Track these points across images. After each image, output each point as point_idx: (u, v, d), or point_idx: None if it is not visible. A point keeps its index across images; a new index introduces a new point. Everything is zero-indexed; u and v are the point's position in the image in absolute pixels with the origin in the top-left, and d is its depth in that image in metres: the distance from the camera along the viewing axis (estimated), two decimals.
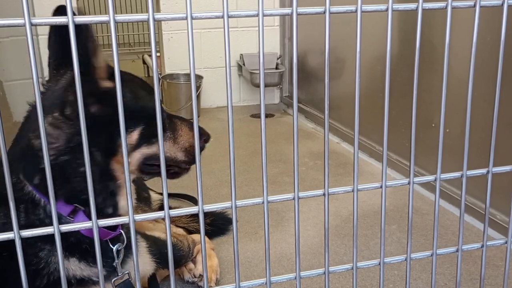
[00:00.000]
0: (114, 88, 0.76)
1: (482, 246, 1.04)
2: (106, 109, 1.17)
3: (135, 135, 1.21)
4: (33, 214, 1.19)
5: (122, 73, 0.92)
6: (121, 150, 1.14)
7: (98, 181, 1.19)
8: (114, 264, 1.31)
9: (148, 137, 1.23)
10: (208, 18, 0.77)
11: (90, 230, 1.00)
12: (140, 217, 0.82)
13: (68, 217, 1.19)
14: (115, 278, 1.31)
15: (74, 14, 0.70)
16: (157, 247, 1.56)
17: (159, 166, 1.13)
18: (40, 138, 0.84)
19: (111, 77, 1.18)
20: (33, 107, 1.24)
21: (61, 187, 1.17)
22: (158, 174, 1.28)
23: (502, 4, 0.89)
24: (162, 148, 0.81)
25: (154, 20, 0.73)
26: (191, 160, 1.35)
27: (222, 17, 0.76)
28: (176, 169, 1.36)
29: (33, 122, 1.21)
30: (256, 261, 1.99)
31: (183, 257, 1.80)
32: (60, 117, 1.15)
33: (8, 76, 2.59)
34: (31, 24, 0.68)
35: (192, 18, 0.74)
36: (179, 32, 4.09)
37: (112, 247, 1.30)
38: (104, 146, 1.18)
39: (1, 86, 2.42)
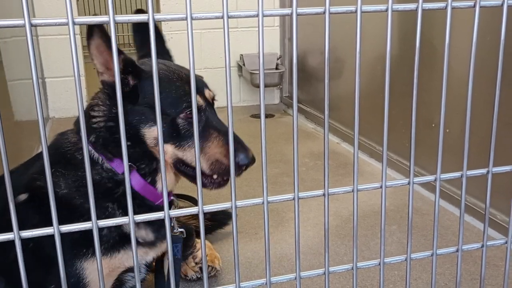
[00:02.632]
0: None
1: (482, 246, 1.04)
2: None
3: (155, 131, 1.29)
4: (93, 169, 1.33)
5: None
6: (148, 138, 1.32)
7: (141, 157, 1.35)
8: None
9: (170, 135, 1.32)
10: (208, 18, 0.77)
11: (143, 188, 1.39)
12: (140, 217, 0.82)
13: (121, 174, 1.32)
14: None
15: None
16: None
17: (191, 168, 1.36)
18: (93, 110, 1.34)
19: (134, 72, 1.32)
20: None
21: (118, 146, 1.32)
22: (191, 176, 1.38)
23: (502, 4, 0.89)
24: (162, 146, 0.81)
25: (154, 20, 0.73)
26: (215, 177, 1.37)
27: (222, 17, 0.76)
28: (215, 179, 1.39)
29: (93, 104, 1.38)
30: (256, 261, 1.99)
31: (190, 240, 1.82)
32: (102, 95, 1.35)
33: (11, 75, 2.60)
34: (31, 25, 0.68)
35: (192, 18, 0.74)
36: (179, 33, 4.09)
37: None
38: (133, 132, 1.31)
39: (5, 85, 2.43)
